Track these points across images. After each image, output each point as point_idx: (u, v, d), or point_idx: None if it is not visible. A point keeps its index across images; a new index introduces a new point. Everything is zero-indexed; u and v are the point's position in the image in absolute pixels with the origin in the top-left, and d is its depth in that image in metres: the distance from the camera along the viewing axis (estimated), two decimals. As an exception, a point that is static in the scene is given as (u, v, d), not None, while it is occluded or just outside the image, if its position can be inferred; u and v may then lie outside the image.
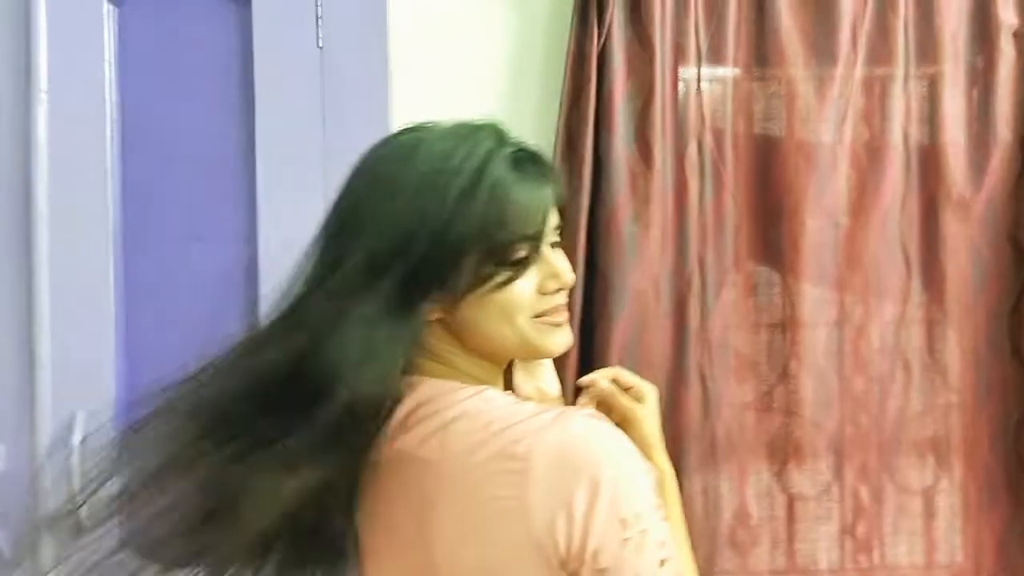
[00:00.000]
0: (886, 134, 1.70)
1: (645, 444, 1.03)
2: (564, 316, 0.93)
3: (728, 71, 1.69)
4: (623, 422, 1.06)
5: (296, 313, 0.89)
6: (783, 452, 1.71)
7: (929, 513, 1.74)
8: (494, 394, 0.90)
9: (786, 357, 1.70)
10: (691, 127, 1.68)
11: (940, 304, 1.72)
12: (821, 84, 1.68)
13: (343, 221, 0.91)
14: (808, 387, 1.69)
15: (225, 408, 0.89)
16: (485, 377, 0.93)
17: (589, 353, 1.61)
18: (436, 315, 0.89)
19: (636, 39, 1.64)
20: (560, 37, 1.66)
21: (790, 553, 1.73)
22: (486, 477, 0.82)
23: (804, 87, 1.68)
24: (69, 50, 1.54)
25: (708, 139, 1.68)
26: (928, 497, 1.74)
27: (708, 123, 1.69)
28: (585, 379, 1.11)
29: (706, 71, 1.68)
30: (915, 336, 1.72)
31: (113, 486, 0.93)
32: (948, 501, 1.74)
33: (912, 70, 1.69)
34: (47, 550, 1.51)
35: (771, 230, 1.70)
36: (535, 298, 0.90)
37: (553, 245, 0.93)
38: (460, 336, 0.91)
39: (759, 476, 1.72)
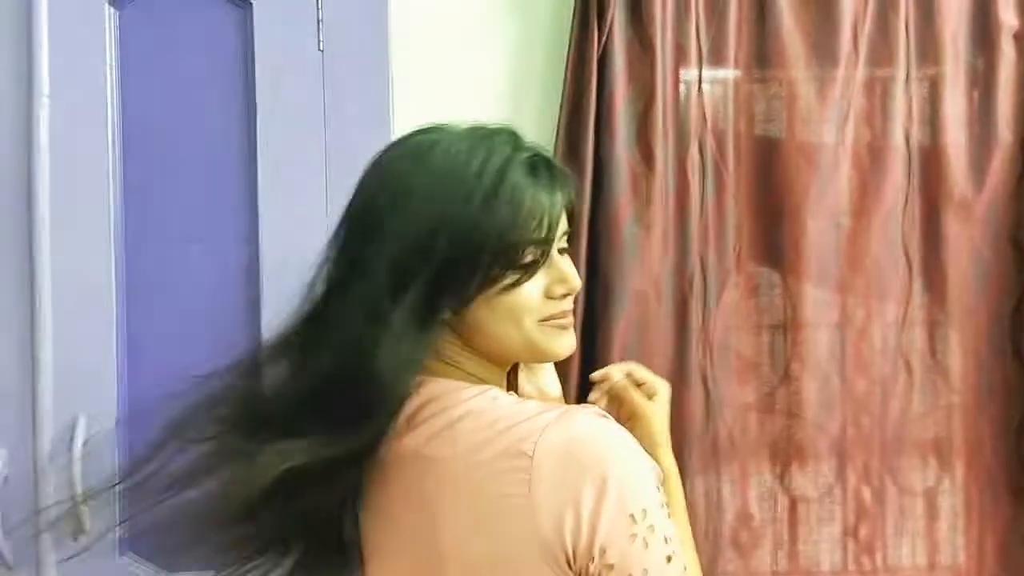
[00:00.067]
0: (887, 135, 1.70)
1: (652, 441, 1.04)
2: (570, 320, 0.95)
3: (729, 72, 1.69)
4: (632, 418, 1.07)
5: (325, 321, 0.90)
6: (785, 453, 1.71)
7: (931, 514, 1.74)
8: (499, 393, 0.91)
9: (788, 358, 1.70)
10: (692, 129, 1.68)
11: (942, 305, 1.72)
12: (822, 85, 1.68)
13: (361, 221, 0.92)
14: (810, 388, 1.69)
15: (260, 411, 0.91)
16: (489, 378, 0.94)
17: (590, 354, 1.61)
18: (445, 316, 0.90)
19: (637, 41, 1.64)
20: (561, 39, 1.66)
21: (792, 555, 1.72)
22: (492, 475, 0.83)
23: (805, 88, 1.68)
24: (70, 53, 1.54)
25: (709, 140, 1.68)
26: (930, 498, 1.74)
27: (709, 125, 1.69)
28: (598, 373, 1.12)
29: (707, 73, 1.68)
30: (917, 337, 1.72)
31: (143, 480, 0.93)
32: (950, 502, 1.74)
33: (913, 71, 1.69)
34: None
35: (772, 231, 1.70)
36: (542, 302, 0.92)
37: (562, 251, 0.94)
38: (466, 337, 0.92)
39: (761, 478, 1.72)
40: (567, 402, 1.17)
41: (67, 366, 1.52)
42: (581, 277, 1.57)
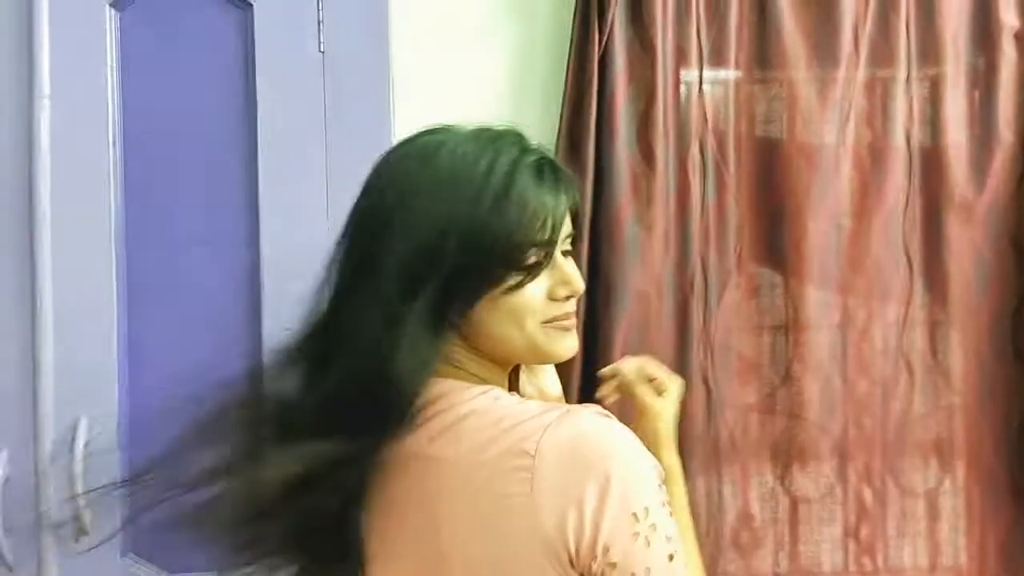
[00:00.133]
0: (888, 136, 1.70)
1: (656, 438, 1.04)
2: (573, 322, 0.95)
3: (730, 73, 1.69)
4: (639, 414, 1.07)
5: (339, 325, 0.90)
6: (786, 454, 1.71)
7: (932, 515, 1.74)
8: (500, 393, 0.91)
9: (789, 359, 1.70)
10: (693, 129, 1.68)
11: (943, 306, 1.72)
12: (823, 86, 1.69)
13: (370, 223, 0.92)
14: (811, 389, 1.69)
15: (279, 415, 0.92)
16: (491, 379, 0.94)
17: (592, 354, 1.61)
18: (456, 317, 0.90)
19: (638, 42, 1.64)
20: (561, 40, 1.66)
21: (793, 555, 1.72)
22: (496, 474, 0.83)
23: (806, 89, 1.68)
24: (71, 55, 1.54)
25: (710, 141, 1.68)
26: (931, 499, 1.74)
27: (710, 125, 1.69)
28: (608, 369, 1.12)
29: (708, 73, 1.68)
30: (918, 338, 1.72)
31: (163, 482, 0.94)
32: (951, 503, 1.74)
33: (914, 72, 1.70)
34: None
35: (773, 232, 1.70)
36: (545, 303, 0.92)
37: (565, 253, 0.95)
38: (468, 338, 0.92)
39: (762, 478, 1.72)
40: (568, 402, 1.17)
41: (68, 368, 1.52)
42: (583, 278, 1.59)
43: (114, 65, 1.56)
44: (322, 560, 0.95)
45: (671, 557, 0.83)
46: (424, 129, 0.96)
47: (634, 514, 0.82)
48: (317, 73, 1.59)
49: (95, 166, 1.55)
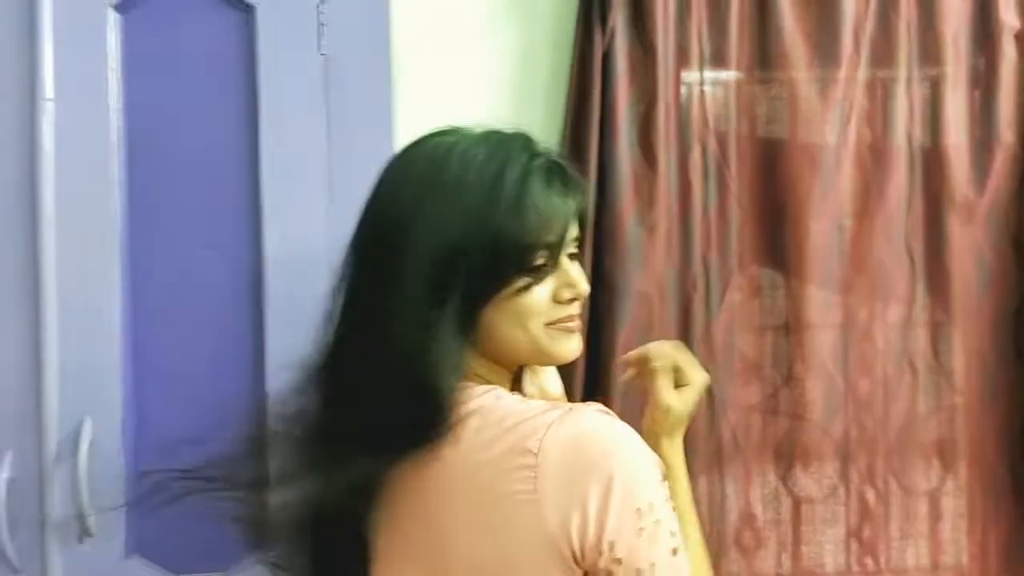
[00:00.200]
0: (889, 136, 1.70)
1: (657, 429, 1.03)
2: (577, 324, 0.95)
3: (731, 74, 1.69)
4: (650, 404, 1.06)
5: (368, 335, 0.90)
6: (789, 455, 1.71)
7: (935, 516, 1.74)
8: (503, 393, 0.92)
9: (791, 360, 1.71)
10: (694, 130, 1.68)
11: (945, 306, 1.72)
12: (824, 86, 1.69)
13: (384, 230, 0.92)
14: (813, 390, 1.69)
15: (322, 428, 0.92)
16: (495, 380, 0.94)
17: (594, 355, 1.61)
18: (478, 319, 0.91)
19: (639, 43, 1.64)
20: (563, 42, 1.66)
21: (796, 556, 1.73)
22: (498, 473, 0.84)
23: (807, 89, 1.68)
24: (74, 58, 1.54)
25: (711, 142, 1.69)
26: (934, 500, 1.74)
27: (711, 126, 1.69)
28: (635, 353, 1.11)
29: (709, 74, 1.69)
30: (920, 338, 1.73)
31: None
32: (953, 503, 1.74)
33: (915, 72, 1.70)
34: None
35: (775, 233, 1.70)
36: (550, 306, 0.92)
37: (571, 256, 0.95)
38: (473, 340, 0.92)
39: (765, 479, 1.72)
40: (570, 402, 1.18)
41: (73, 369, 1.52)
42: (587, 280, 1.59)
43: (117, 68, 1.57)
44: (333, 559, 0.96)
45: (674, 551, 0.84)
46: (432, 131, 0.96)
47: (638, 510, 0.82)
48: (319, 75, 1.59)
49: (98, 168, 1.55)
